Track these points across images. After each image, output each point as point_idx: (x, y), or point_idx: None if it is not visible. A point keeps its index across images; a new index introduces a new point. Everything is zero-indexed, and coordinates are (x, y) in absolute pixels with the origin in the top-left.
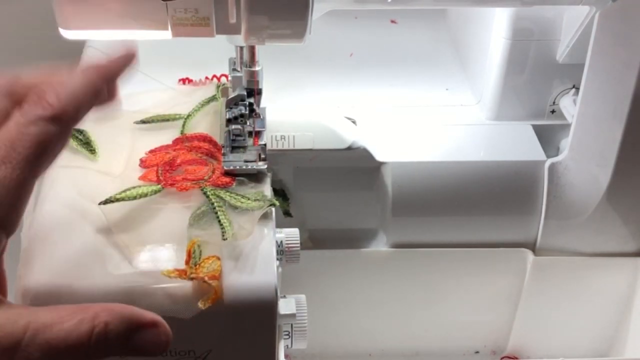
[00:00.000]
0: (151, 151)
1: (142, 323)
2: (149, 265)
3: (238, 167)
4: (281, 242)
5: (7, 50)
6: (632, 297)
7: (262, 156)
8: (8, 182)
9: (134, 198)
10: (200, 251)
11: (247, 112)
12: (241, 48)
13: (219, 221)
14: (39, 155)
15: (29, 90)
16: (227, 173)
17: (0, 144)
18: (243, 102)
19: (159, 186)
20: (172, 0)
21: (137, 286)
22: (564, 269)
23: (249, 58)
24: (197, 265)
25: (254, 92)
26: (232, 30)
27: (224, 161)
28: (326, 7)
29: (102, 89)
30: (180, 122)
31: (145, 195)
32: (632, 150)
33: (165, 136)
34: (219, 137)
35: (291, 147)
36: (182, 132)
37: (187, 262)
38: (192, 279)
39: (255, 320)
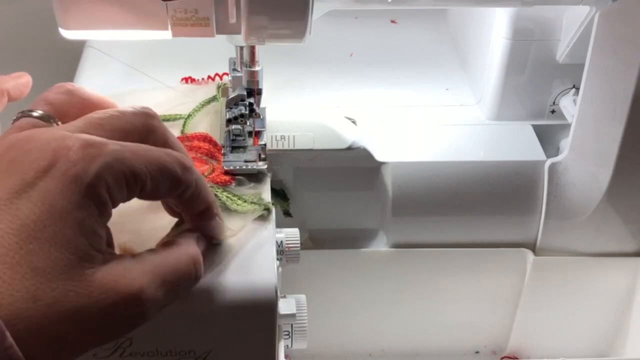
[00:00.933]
0: None
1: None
2: None
3: (238, 167)
4: (281, 242)
5: (7, 50)
6: (632, 297)
7: (262, 156)
8: None
9: None
10: None
11: (247, 112)
12: (241, 48)
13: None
14: None
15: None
16: (227, 173)
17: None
18: (243, 102)
19: None
20: (172, 0)
21: None
22: (564, 269)
23: (249, 58)
24: None
25: (254, 92)
26: (232, 30)
27: (224, 161)
28: (326, 7)
29: None
30: (181, 122)
31: None
32: (632, 150)
33: None
34: (219, 137)
35: (291, 147)
36: (182, 132)
37: None
38: None
39: (255, 320)
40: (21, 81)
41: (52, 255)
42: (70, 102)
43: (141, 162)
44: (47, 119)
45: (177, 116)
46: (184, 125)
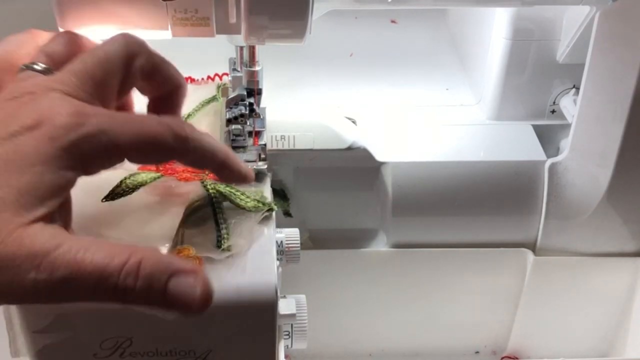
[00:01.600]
0: None
1: (179, 270)
2: None
3: None
4: (281, 242)
5: None
6: (632, 297)
7: (262, 156)
8: None
9: (134, 188)
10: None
11: (247, 112)
12: (241, 48)
13: (216, 222)
14: None
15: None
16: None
17: None
18: (243, 102)
19: (159, 174)
20: (172, 0)
21: None
22: (564, 269)
23: (249, 58)
24: None
25: (254, 92)
26: (232, 30)
27: None
28: (326, 7)
29: None
30: None
31: (145, 183)
32: (632, 150)
33: None
34: (219, 137)
35: (291, 147)
36: None
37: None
38: None
39: (256, 320)
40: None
41: None
42: (69, 52)
43: (128, 135)
44: (48, 72)
45: None
46: None
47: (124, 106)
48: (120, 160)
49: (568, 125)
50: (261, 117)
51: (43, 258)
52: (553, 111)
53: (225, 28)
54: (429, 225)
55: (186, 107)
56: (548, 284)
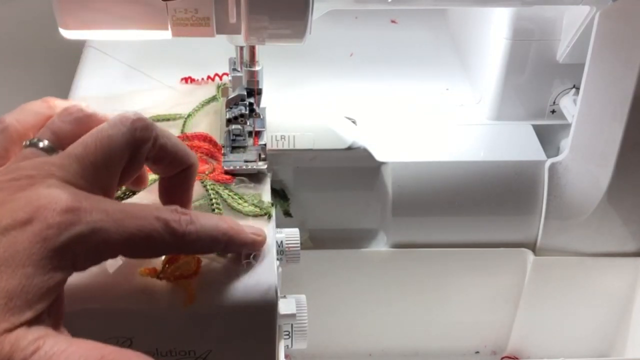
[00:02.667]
0: None
1: None
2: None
3: (238, 167)
4: (281, 242)
5: (7, 50)
6: (632, 297)
7: (262, 156)
8: None
9: (135, 191)
10: None
11: (247, 112)
12: (241, 48)
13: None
14: None
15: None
16: (227, 173)
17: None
18: (243, 102)
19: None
20: (172, 0)
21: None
22: (564, 269)
23: (249, 58)
24: (171, 265)
25: (254, 92)
26: (232, 30)
27: (224, 161)
28: (326, 7)
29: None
30: (181, 121)
31: None
32: (632, 150)
33: None
34: (219, 137)
35: (291, 147)
36: (182, 132)
37: (164, 261)
38: (160, 278)
39: (256, 320)
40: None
41: None
42: (76, 131)
43: (122, 234)
44: (51, 151)
45: (177, 116)
46: (183, 125)
47: (138, 180)
48: (113, 257)
49: (568, 125)
50: (261, 117)
51: None
52: (553, 111)
53: (225, 28)
54: (429, 225)
55: (186, 107)
56: (548, 284)
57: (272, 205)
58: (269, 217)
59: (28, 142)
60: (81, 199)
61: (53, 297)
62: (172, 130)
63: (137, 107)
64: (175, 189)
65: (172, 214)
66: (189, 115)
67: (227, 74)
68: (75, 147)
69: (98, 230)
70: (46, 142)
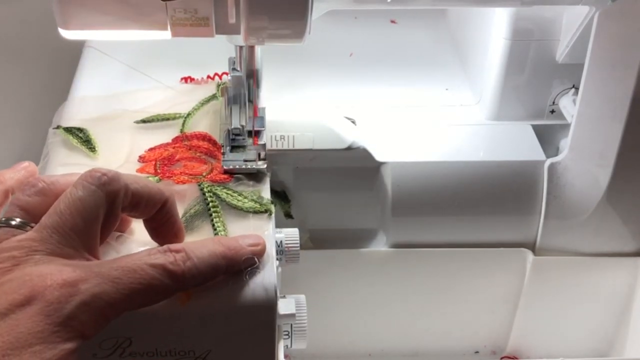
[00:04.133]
0: (150, 149)
1: None
2: None
3: (237, 167)
4: (281, 242)
5: (7, 50)
6: (632, 297)
7: (262, 156)
8: None
9: None
10: None
11: (245, 101)
12: (241, 48)
13: (213, 226)
14: None
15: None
16: (226, 172)
17: None
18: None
19: (157, 178)
20: (172, 0)
21: None
22: (564, 269)
23: (249, 58)
24: None
25: (253, 73)
26: (232, 30)
27: (224, 160)
28: (326, 7)
29: None
30: (180, 121)
31: None
32: (632, 150)
33: (165, 135)
34: (218, 137)
35: (291, 147)
36: (181, 131)
37: None
38: None
39: (255, 320)
40: (22, 174)
41: None
42: (44, 202)
43: (122, 292)
44: (24, 226)
45: (177, 115)
46: (183, 124)
47: (120, 225)
48: (119, 316)
49: (567, 125)
50: (260, 115)
51: None
52: (552, 111)
53: (225, 28)
54: (428, 225)
55: (185, 107)
56: (548, 284)
57: (272, 203)
58: (270, 214)
59: None
60: (74, 269)
61: None
62: (172, 129)
63: (137, 107)
64: (162, 226)
65: (166, 256)
66: (188, 115)
67: (226, 74)
68: (49, 217)
69: (98, 295)
70: (18, 220)
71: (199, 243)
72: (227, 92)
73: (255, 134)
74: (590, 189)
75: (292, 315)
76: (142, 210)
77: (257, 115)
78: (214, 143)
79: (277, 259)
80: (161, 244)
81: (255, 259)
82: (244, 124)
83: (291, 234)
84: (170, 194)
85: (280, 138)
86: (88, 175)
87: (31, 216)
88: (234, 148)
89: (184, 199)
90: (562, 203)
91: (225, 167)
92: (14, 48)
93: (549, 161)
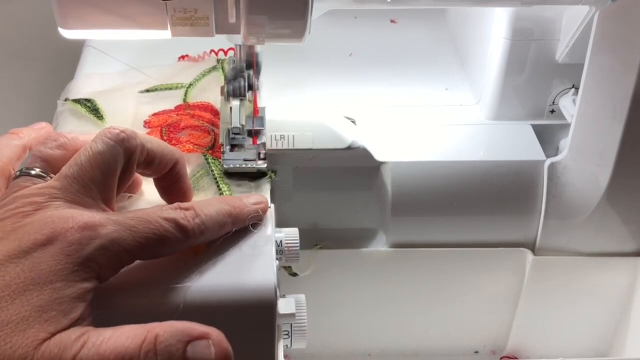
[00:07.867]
0: (155, 114)
1: (194, 336)
2: None
3: (237, 166)
4: (281, 242)
5: (7, 50)
6: (632, 297)
7: (262, 156)
8: None
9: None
10: None
11: (245, 84)
12: (241, 47)
13: (218, 186)
14: None
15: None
16: (226, 172)
17: None
18: (242, 75)
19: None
20: (172, 0)
21: None
22: (564, 269)
23: (249, 50)
24: None
25: (253, 64)
26: (232, 30)
27: (224, 160)
28: (326, 7)
29: None
30: (183, 91)
31: None
32: (632, 150)
33: (169, 104)
34: (220, 107)
35: (291, 147)
36: (184, 100)
37: None
38: None
39: (255, 320)
40: (42, 133)
41: (21, 314)
42: (64, 156)
43: (137, 239)
44: (44, 177)
45: (179, 85)
46: (185, 94)
47: (133, 186)
48: (132, 263)
49: (567, 125)
50: (260, 105)
51: None
52: (552, 111)
53: (225, 28)
54: (428, 225)
55: (187, 78)
56: (548, 284)
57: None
58: (270, 178)
59: (18, 172)
60: (93, 214)
61: (85, 304)
62: (175, 98)
63: (140, 79)
64: (172, 185)
65: (177, 212)
66: (190, 85)
67: (232, 49)
68: (70, 168)
69: (116, 240)
70: (38, 170)
71: (206, 202)
72: (227, 81)
73: (255, 133)
74: (590, 189)
75: (292, 315)
76: (155, 169)
77: (257, 115)
78: (217, 113)
79: (277, 259)
80: (171, 202)
81: (261, 213)
82: (244, 123)
83: (291, 234)
84: (181, 156)
85: (280, 138)
86: (107, 131)
87: (51, 168)
88: (233, 147)
89: (188, 163)
90: (562, 203)
91: (225, 167)
92: (14, 48)
93: (549, 161)
